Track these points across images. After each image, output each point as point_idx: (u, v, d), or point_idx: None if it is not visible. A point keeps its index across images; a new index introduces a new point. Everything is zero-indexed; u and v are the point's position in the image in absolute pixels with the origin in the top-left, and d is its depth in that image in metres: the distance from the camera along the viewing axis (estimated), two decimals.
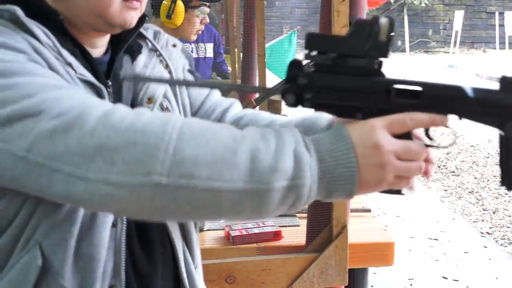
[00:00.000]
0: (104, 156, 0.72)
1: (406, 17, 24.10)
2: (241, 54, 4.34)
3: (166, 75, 1.13)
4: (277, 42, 6.99)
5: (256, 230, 2.00)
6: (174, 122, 0.75)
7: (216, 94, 1.22)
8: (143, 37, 1.14)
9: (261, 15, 3.11)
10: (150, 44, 1.14)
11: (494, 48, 20.66)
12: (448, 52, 21.47)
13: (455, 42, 19.80)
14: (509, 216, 5.01)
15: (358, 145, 0.78)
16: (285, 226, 2.09)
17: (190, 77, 1.22)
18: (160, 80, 1.08)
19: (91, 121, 0.74)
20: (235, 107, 1.21)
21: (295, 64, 0.84)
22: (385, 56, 0.82)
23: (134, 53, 1.10)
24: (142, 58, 1.11)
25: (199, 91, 1.20)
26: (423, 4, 23.99)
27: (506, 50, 18.83)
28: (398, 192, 0.86)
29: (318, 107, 0.85)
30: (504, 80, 0.84)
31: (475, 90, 0.85)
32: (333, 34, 0.79)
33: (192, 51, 5.28)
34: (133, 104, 1.05)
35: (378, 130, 0.79)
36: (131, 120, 0.74)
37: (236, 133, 0.77)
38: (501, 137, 0.84)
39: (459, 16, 19.44)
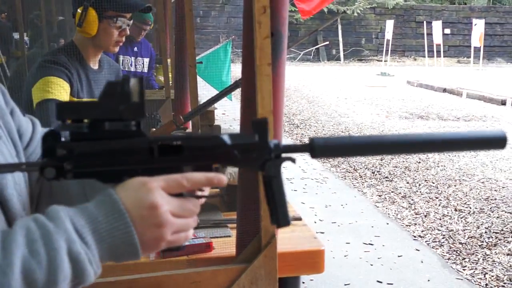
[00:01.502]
0: None
1: (340, 27, 24.62)
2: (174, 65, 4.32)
3: None
4: (213, 52, 6.98)
5: (186, 243, 1.97)
6: None
7: (39, 127, 1.12)
8: None
9: (190, 26, 3.10)
10: None
11: (424, 56, 21.38)
12: (381, 60, 22.08)
13: (387, 50, 20.38)
14: (440, 219, 5.18)
15: (133, 208, 0.79)
16: (217, 237, 2.07)
17: (18, 111, 1.07)
18: None
19: None
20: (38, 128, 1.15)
21: (50, 136, 0.81)
22: (141, 116, 0.83)
23: None
24: None
25: (26, 122, 1.09)
26: (355, 14, 24.59)
27: (435, 58, 19.52)
28: (178, 248, 0.86)
29: (81, 176, 0.82)
30: (254, 123, 0.86)
31: (232, 137, 0.86)
32: (86, 100, 0.79)
33: (131, 65, 5.27)
34: None
35: (154, 190, 0.80)
36: None
37: (2, 259, 0.72)
38: (263, 177, 0.86)
39: (390, 25, 20.05)
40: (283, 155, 0.87)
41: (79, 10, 2.34)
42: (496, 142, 0.90)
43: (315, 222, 5.07)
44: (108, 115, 0.81)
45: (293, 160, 0.87)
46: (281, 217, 0.88)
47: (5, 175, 0.94)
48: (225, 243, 2.02)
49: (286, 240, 2.03)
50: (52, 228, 0.76)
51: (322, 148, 0.86)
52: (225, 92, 2.73)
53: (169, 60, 5.00)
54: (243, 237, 1.85)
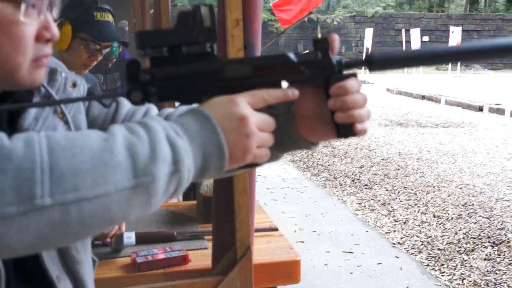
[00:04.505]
0: None
1: (320, 35, 24.79)
2: None
3: (60, 127, 1.01)
4: None
5: (162, 256, 1.97)
6: (39, 141, 0.70)
7: (126, 103, 1.16)
8: None
9: None
10: (43, 89, 1.01)
11: None
12: (360, 68, 22.25)
13: None
14: (419, 226, 5.22)
15: (223, 120, 0.82)
16: (193, 249, 2.08)
17: (94, 105, 1.12)
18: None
19: None
20: (152, 111, 1.18)
21: (133, 64, 0.87)
22: (214, 39, 0.88)
23: (22, 102, 0.97)
24: (33, 108, 0.98)
25: (101, 107, 1.14)
26: (335, 22, 24.78)
27: None
28: (258, 164, 0.90)
29: (164, 98, 0.88)
30: (316, 42, 0.93)
31: (297, 55, 0.91)
32: (162, 28, 0.85)
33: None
34: None
35: (242, 104, 0.83)
36: None
37: (104, 134, 0.75)
38: (327, 91, 0.93)
39: (369, 33, 20.24)
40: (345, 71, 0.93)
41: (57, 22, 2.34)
42: None
43: (295, 231, 5.09)
44: (185, 40, 0.87)
45: (354, 75, 0.93)
46: (345, 130, 0.94)
47: None
48: (201, 255, 2.03)
49: (262, 251, 2.04)
50: (148, 120, 0.79)
51: (380, 61, 0.93)
52: None
53: None
54: (219, 249, 1.86)
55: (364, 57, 0.94)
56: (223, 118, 0.81)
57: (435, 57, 0.97)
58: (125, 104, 1.16)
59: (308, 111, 0.97)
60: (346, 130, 0.93)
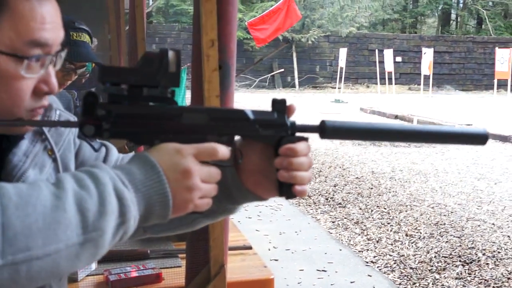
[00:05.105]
0: None
1: (294, 54, 24.98)
2: None
3: (48, 164, 1.00)
4: None
5: (135, 274, 1.97)
6: None
7: (115, 150, 1.17)
8: None
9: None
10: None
11: (376, 84, 21.85)
12: (335, 87, 22.46)
13: (340, 77, 20.76)
14: (391, 244, 5.26)
15: (168, 169, 0.83)
16: (167, 267, 2.07)
17: (85, 147, 1.11)
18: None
19: None
20: None
21: (91, 96, 0.85)
22: (176, 85, 0.88)
23: (13, 138, 0.96)
24: (24, 144, 0.97)
25: (95, 158, 1.13)
26: (310, 42, 25.01)
27: (387, 85, 19.99)
28: (201, 212, 0.91)
29: (117, 136, 0.87)
30: (274, 102, 0.96)
31: (254, 112, 0.94)
32: (126, 66, 0.85)
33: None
34: None
35: (188, 157, 0.85)
36: None
37: (55, 189, 0.76)
38: (277, 151, 0.95)
39: (343, 53, 20.48)
40: (297, 133, 0.96)
41: None
42: (479, 138, 1.01)
43: (269, 250, 5.08)
44: (147, 82, 0.87)
45: (305, 139, 0.96)
46: (286, 190, 0.96)
47: None
48: (175, 274, 2.02)
49: (236, 269, 2.04)
50: (97, 170, 0.80)
51: (332, 130, 0.95)
52: None
53: None
54: (193, 267, 1.85)
55: (318, 123, 0.96)
56: (168, 167, 0.83)
57: (387, 134, 0.99)
58: (114, 151, 1.17)
59: (255, 166, 1.00)
60: (287, 189, 0.96)
